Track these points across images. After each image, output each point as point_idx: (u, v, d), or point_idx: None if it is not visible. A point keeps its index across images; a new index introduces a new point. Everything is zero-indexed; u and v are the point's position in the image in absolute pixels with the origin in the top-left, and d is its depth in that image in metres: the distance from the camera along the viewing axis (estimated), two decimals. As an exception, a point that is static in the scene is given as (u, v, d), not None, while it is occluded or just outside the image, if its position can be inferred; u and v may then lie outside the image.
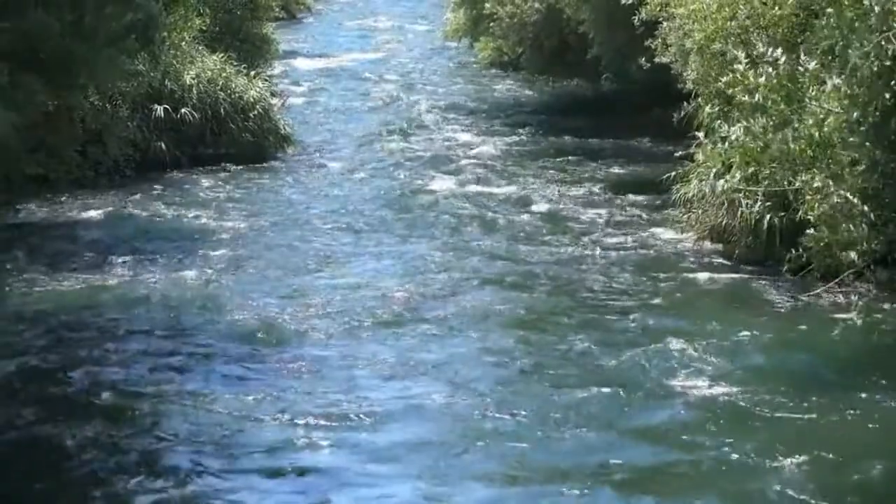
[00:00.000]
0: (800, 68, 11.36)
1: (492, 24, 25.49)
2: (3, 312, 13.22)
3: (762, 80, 11.25)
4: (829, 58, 11.38)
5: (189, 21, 20.69)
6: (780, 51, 11.12)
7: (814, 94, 11.07)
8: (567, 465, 9.78)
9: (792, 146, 11.13)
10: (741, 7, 14.54)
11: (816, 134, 11.24)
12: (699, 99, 15.76)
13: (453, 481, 9.58)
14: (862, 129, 11.19)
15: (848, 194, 11.72)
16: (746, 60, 11.93)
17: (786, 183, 12.95)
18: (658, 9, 16.43)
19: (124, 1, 11.98)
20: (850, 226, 11.81)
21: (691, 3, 15.33)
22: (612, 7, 19.31)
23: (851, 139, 11.19)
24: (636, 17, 16.58)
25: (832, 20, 11.19)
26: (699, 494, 9.33)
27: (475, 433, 10.25)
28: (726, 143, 13.69)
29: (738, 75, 10.67)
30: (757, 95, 11.43)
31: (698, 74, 15.39)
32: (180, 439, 10.28)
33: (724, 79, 11.21)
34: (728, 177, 14.25)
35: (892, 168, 11.67)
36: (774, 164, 12.72)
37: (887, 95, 10.93)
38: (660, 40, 16.59)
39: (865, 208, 11.78)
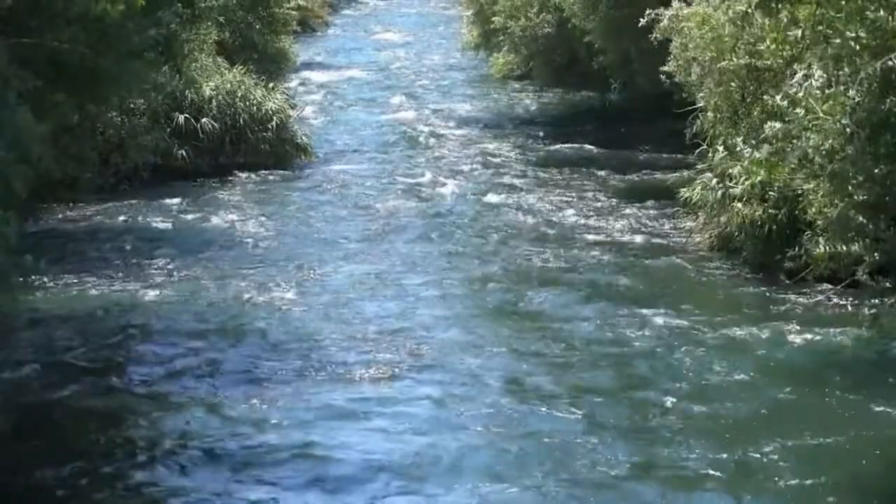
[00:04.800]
0: (813, 82, 11.51)
1: (503, 37, 25.69)
2: (28, 314, 13.56)
3: (792, 90, 11.40)
4: (832, 70, 11.54)
5: (208, 35, 21.04)
6: (797, 66, 11.33)
7: (824, 106, 11.25)
8: (568, 459, 10.17)
9: (809, 152, 11.30)
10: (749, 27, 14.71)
11: (821, 145, 11.41)
12: (709, 112, 15.95)
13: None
14: (861, 141, 11.34)
15: (848, 206, 11.86)
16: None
17: (791, 191, 13.19)
18: (671, 25, 16.45)
19: (144, 16, 12.15)
20: (851, 237, 11.96)
21: (702, 21, 15.42)
22: (620, 18, 19.50)
23: (850, 151, 11.36)
24: (652, 37, 16.57)
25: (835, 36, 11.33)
26: (700, 493, 9.69)
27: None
28: (738, 151, 13.91)
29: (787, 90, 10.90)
30: (786, 100, 11.56)
31: (708, 88, 15.55)
32: (198, 440, 10.62)
33: (779, 95, 11.39)
34: (733, 184, 14.54)
35: (891, 180, 11.79)
36: (784, 173, 12.91)
37: (885, 108, 11.07)
38: (672, 58, 16.57)
39: (865, 219, 11.92)
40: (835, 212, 11.72)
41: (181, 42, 12.95)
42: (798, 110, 11.11)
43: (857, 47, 10.48)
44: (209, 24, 20.72)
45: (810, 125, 11.21)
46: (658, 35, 16.56)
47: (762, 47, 14.08)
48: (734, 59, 14.77)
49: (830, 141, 10.93)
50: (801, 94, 11.17)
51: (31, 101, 10.02)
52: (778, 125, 11.64)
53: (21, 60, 10.44)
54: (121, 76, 12.39)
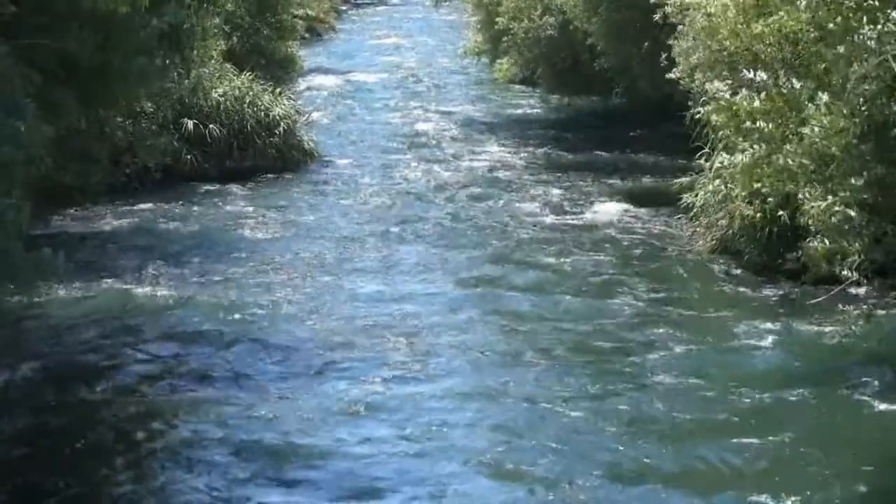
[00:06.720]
0: (796, 87, 11.61)
1: (505, 39, 25.82)
2: (37, 315, 13.72)
3: (755, 104, 11.46)
4: (827, 77, 11.62)
5: (216, 39, 21.22)
6: (765, 74, 11.35)
7: (811, 110, 11.36)
8: (568, 455, 10.36)
9: (791, 162, 11.41)
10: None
11: (815, 149, 11.49)
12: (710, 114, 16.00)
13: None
14: (860, 145, 11.41)
15: (846, 208, 11.94)
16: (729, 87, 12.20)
17: (787, 196, 13.28)
18: (676, 11, 16.43)
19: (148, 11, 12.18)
20: (849, 238, 12.05)
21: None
22: (620, 21, 19.56)
23: (849, 155, 11.43)
24: (659, 16, 16.44)
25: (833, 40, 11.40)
26: (698, 490, 9.81)
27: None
28: (734, 158, 13.99)
29: (721, 102, 10.88)
30: (747, 122, 11.65)
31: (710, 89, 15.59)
32: (208, 440, 10.77)
33: (709, 107, 11.36)
34: (732, 188, 14.65)
35: (890, 183, 11.90)
36: (775, 178, 13.00)
37: (886, 112, 11.15)
38: (680, 62, 16.59)
39: (863, 222, 12.00)
40: (830, 214, 11.79)
41: (189, 30, 12.88)
42: (769, 120, 11.07)
43: (869, 49, 10.48)
44: (216, 31, 20.88)
45: (789, 137, 11.21)
46: (668, 16, 16.43)
47: (760, 46, 14.19)
48: (733, 47, 14.76)
49: (823, 143, 10.96)
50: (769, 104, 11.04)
51: (37, 101, 10.13)
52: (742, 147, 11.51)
53: (27, 61, 10.54)
54: (128, 75, 12.47)
